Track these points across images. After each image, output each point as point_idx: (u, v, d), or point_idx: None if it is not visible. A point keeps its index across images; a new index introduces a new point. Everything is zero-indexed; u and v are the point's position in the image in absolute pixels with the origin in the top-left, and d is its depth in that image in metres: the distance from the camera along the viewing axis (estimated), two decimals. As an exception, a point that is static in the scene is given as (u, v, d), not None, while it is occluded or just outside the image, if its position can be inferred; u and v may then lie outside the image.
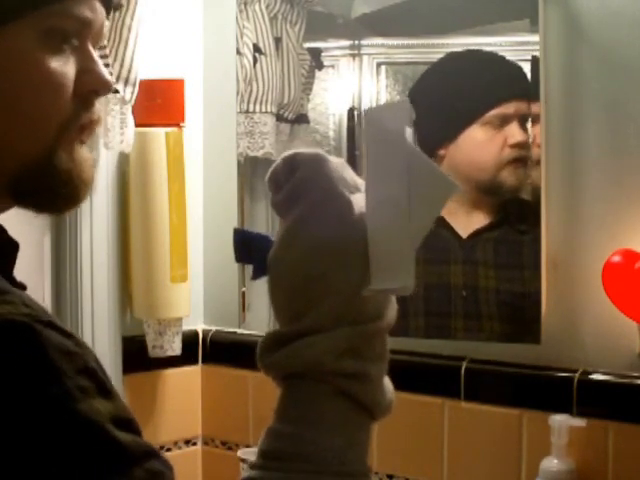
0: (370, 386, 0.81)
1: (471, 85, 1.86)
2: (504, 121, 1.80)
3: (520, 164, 1.78)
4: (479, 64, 1.85)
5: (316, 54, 2.05)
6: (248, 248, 0.89)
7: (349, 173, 0.84)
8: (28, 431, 0.69)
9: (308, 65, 2.06)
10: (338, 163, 0.84)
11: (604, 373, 1.67)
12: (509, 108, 1.80)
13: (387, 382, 0.84)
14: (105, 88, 0.87)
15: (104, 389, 0.73)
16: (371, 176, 0.82)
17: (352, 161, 1.98)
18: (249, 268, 1.13)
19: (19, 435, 0.69)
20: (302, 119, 2.08)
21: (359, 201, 0.82)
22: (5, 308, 0.72)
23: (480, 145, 1.81)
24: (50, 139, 0.84)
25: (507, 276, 1.79)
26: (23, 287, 0.83)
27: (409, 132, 0.80)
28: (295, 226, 0.81)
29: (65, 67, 0.84)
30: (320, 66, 2.05)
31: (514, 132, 1.78)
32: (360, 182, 0.84)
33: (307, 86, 2.08)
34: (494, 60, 1.83)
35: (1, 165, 0.83)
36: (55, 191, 0.85)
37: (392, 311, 0.84)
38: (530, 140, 1.76)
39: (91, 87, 0.86)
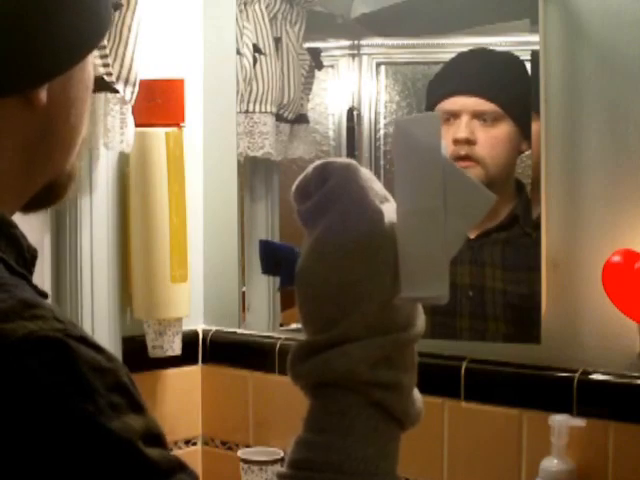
0: (402, 396, 0.81)
1: (429, 78, 1.88)
2: (453, 116, 1.80)
3: (464, 161, 1.78)
4: (458, 59, 1.86)
5: (316, 54, 2.05)
6: (274, 259, 0.89)
7: (378, 184, 0.85)
8: (62, 449, 0.69)
9: (308, 65, 2.06)
10: (367, 173, 0.84)
11: (604, 373, 1.67)
12: (455, 103, 1.80)
13: (416, 392, 0.84)
14: None
15: (136, 404, 0.73)
16: (401, 187, 0.83)
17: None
18: (249, 268, 1.14)
19: (53, 454, 0.69)
20: (302, 119, 2.08)
21: (389, 211, 0.82)
22: (37, 324, 0.71)
23: None
24: (75, 156, 0.89)
25: (510, 277, 1.79)
26: (44, 295, 0.82)
27: (443, 145, 0.82)
28: (326, 234, 0.82)
29: None
30: (320, 66, 2.05)
31: (459, 128, 1.78)
32: (387, 193, 0.85)
33: (307, 86, 2.08)
34: (464, 55, 1.84)
35: (30, 181, 0.85)
36: (59, 195, 0.89)
37: (421, 321, 0.84)
38: (474, 137, 1.77)
39: None
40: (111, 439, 0.70)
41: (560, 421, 1.64)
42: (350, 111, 1.98)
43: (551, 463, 1.66)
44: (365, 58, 1.99)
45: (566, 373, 1.70)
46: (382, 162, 1.98)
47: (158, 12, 2.14)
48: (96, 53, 1.91)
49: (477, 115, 1.78)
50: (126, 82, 1.96)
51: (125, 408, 0.72)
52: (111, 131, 1.98)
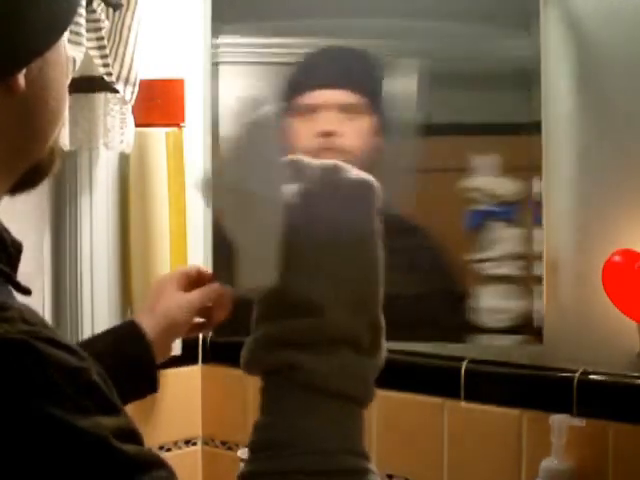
0: (309, 373, 0.83)
1: (291, 72, 1.90)
2: (317, 109, 1.82)
3: (329, 154, 1.79)
4: (318, 55, 1.88)
5: None
6: None
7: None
8: (30, 453, 0.68)
9: None
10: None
11: (604, 373, 1.67)
12: (320, 97, 1.82)
13: (356, 368, 0.85)
14: None
15: (107, 404, 0.73)
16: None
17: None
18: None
19: (23, 459, 0.68)
20: None
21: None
22: (2, 327, 0.70)
23: (295, 133, 1.84)
24: (52, 139, 0.87)
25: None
26: (27, 291, 0.82)
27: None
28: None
29: None
30: None
31: (324, 121, 1.80)
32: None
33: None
34: (325, 51, 1.86)
35: (13, 166, 0.85)
36: (44, 173, 0.89)
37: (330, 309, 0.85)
38: (339, 129, 1.79)
39: None
40: (82, 437, 0.69)
41: (560, 421, 1.64)
42: None
43: (551, 463, 1.66)
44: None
45: (566, 373, 1.70)
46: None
47: (158, 12, 2.13)
48: (96, 53, 1.90)
49: (342, 108, 1.80)
50: (126, 82, 1.96)
51: (95, 408, 0.71)
52: (111, 131, 1.98)
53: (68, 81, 0.89)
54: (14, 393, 0.68)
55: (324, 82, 1.83)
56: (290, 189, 0.84)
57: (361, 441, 0.86)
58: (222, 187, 0.82)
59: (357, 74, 1.86)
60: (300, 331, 0.84)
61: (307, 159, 0.87)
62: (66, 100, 0.88)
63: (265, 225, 0.82)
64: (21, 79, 0.80)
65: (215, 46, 2.06)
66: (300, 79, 1.87)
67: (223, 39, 2.06)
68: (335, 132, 1.80)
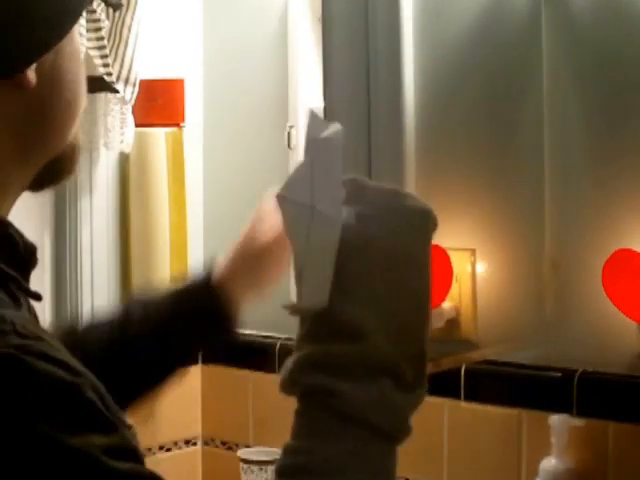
0: (350, 401, 0.80)
1: None
2: None
3: None
4: None
5: None
6: None
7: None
8: (18, 471, 0.66)
9: None
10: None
11: (604, 373, 1.67)
12: None
13: (399, 402, 0.82)
14: None
15: (100, 421, 0.70)
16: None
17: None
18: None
19: (9, 476, 0.66)
20: None
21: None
22: None
23: None
24: (76, 128, 0.86)
25: None
26: (38, 297, 0.80)
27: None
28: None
29: None
30: None
31: None
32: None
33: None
34: None
35: (30, 161, 0.83)
36: (66, 171, 0.87)
37: (379, 338, 0.81)
38: None
39: None
40: (71, 456, 0.67)
41: (560, 421, 1.64)
42: None
43: (551, 463, 1.66)
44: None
45: (566, 373, 1.70)
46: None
47: (158, 12, 2.13)
48: (96, 53, 1.91)
49: None
50: (126, 82, 1.96)
51: (87, 425, 0.69)
52: (111, 131, 1.98)
53: (84, 72, 0.87)
54: (3, 410, 0.67)
55: None
56: (348, 209, 0.82)
57: (392, 478, 0.82)
58: (292, 201, 0.81)
59: None
60: (342, 356, 0.80)
61: (368, 180, 0.85)
62: (83, 92, 0.86)
63: (324, 244, 0.80)
64: (31, 74, 0.79)
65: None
66: None
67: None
68: None
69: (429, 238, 0.84)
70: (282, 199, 0.80)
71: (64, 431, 0.67)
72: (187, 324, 1.15)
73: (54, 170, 0.85)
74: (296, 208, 0.79)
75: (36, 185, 0.86)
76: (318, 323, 0.82)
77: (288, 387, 0.83)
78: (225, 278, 1.15)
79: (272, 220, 1.14)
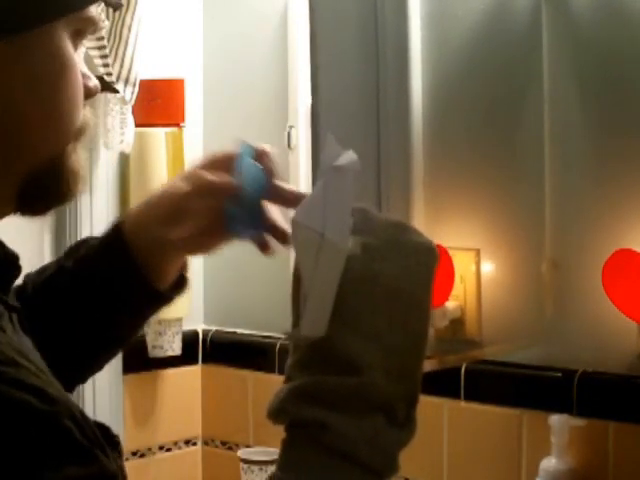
0: (337, 435, 0.78)
1: None
2: None
3: None
4: None
5: None
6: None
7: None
8: None
9: None
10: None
11: (604, 373, 1.67)
12: None
13: (389, 439, 0.81)
14: (96, 92, 0.85)
15: (77, 451, 0.67)
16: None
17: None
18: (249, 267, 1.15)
19: None
20: None
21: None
22: None
23: None
24: (69, 139, 0.82)
25: None
26: (16, 309, 0.78)
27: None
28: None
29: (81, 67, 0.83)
30: None
31: None
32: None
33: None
34: None
35: (11, 170, 0.79)
36: (61, 194, 0.83)
37: (377, 369, 0.80)
38: None
39: (87, 89, 0.84)
40: None
41: (560, 421, 1.64)
42: None
43: (551, 463, 1.66)
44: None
45: (566, 373, 1.70)
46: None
47: (158, 12, 2.14)
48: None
49: None
50: (126, 82, 1.96)
51: (63, 457, 0.66)
52: (111, 131, 1.98)
53: (80, 93, 0.82)
54: None
55: None
56: (354, 239, 0.81)
57: None
58: (304, 227, 0.80)
59: None
60: (337, 389, 0.78)
61: (375, 211, 0.84)
62: (75, 102, 0.81)
63: (328, 273, 0.79)
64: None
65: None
66: None
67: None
68: None
69: (433, 276, 0.82)
70: (295, 224, 0.80)
71: (38, 465, 0.65)
72: (103, 282, 1.02)
73: (35, 187, 0.81)
74: (307, 234, 0.79)
75: (29, 208, 0.82)
76: (313, 352, 0.80)
77: (277, 416, 0.82)
78: (137, 225, 1.02)
79: (198, 174, 1.00)
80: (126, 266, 1.00)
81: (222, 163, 0.99)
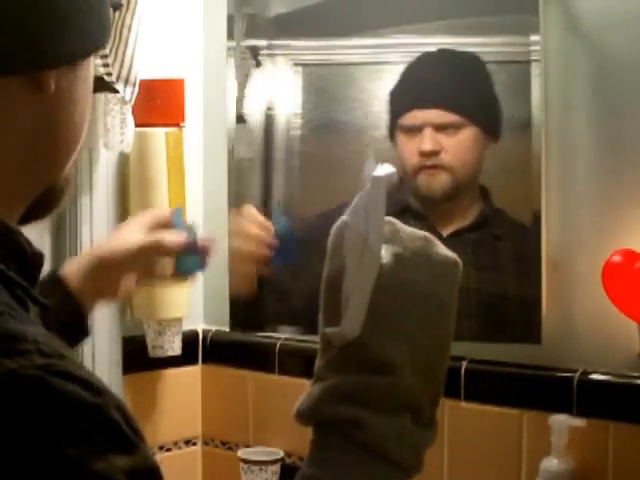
0: (371, 433, 0.83)
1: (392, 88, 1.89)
2: (417, 129, 1.81)
3: (431, 170, 1.80)
4: (415, 64, 1.86)
5: (254, 53, 2.06)
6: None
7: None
8: None
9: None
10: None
11: (604, 373, 1.67)
12: (416, 118, 1.81)
13: (418, 437, 0.86)
14: None
15: (123, 442, 0.70)
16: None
17: (268, 164, 2.01)
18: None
19: None
20: (240, 119, 2.07)
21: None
22: (17, 361, 0.67)
23: (401, 150, 1.84)
24: (71, 161, 0.86)
25: (483, 277, 1.80)
26: (45, 307, 0.80)
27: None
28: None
29: None
30: (258, 64, 2.06)
31: (423, 141, 1.80)
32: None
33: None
34: (421, 59, 1.85)
35: (37, 186, 0.83)
36: (59, 201, 0.87)
37: (406, 370, 0.86)
38: (439, 147, 1.79)
39: None
40: (96, 479, 0.66)
41: (560, 421, 1.64)
42: (268, 112, 2.02)
43: (551, 463, 1.66)
44: (281, 58, 2.00)
45: (566, 373, 1.70)
46: (295, 163, 2.01)
47: (158, 12, 2.13)
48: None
49: (439, 127, 1.80)
50: (126, 82, 1.96)
51: (110, 447, 0.68)
52: (111, 131, 1.98)
53: (91, 105, 0.88)
54: (28, 433, 0.66)
55: (420, 103, 1.81)
56: (386, 248, 0.87)
57: None
58: (352, 228, 0.86)
59: (457, 84, 1.82)
60: (372, 389, 0.84)
61: (400, 224, 0.90)
62: (86, 123, 0.87)
63: (367, 276, 0.85)
64: (52, 80, 0.79)
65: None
66: (397, 99, 1.86)
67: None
68: (436, 150, 1.79)
69: (457, 285, 0.89)
70: (345, 225, 0.86)
71: (88, 455, 0.66)
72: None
73: (43, 201, 0.84)
74: (355, 235, 0.85)
75: (33, 218, 0.85)
76: (345, 353, 0.86)
77: (310, 415, 0.86)
78: (80, 282, 1.28)
79: (136, 231, 1.30)
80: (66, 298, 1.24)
81: (164, 221, 1.37)
